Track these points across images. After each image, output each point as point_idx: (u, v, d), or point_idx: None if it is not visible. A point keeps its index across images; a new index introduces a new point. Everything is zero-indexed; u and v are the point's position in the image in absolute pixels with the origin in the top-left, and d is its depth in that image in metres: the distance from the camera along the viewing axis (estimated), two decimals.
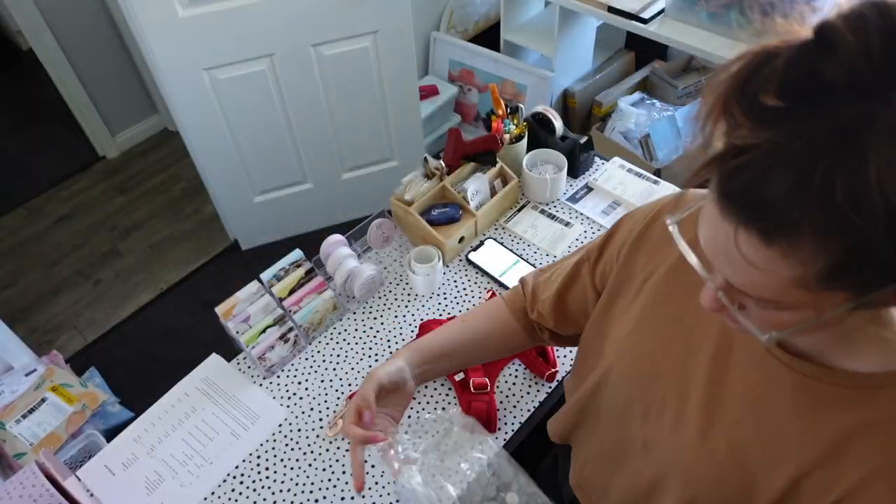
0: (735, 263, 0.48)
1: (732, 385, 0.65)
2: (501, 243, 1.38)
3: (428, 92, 2.60)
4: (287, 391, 1.20)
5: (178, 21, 1.80)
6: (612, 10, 2.13)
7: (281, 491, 1.07)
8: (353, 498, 1.06)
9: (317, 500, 1.06)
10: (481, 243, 1.38)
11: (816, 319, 0.49)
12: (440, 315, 1.28)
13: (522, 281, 0.95)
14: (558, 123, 1.47)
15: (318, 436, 1.14)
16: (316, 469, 1.09)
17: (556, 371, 1.17)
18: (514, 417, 1.13)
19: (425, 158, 1.39)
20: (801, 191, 0.42)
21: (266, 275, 1.30)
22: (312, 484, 1.08)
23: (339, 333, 1.28)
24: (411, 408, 1.14)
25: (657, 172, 2.31)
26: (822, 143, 0.41)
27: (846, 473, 0.56)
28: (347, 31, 1.99)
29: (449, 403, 1.16)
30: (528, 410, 1.14)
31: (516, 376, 1.18)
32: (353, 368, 1.22)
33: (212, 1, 1.80)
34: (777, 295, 0.48)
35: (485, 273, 1.33)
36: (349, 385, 1.19)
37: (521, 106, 1.46)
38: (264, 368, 1.21)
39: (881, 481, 0.54)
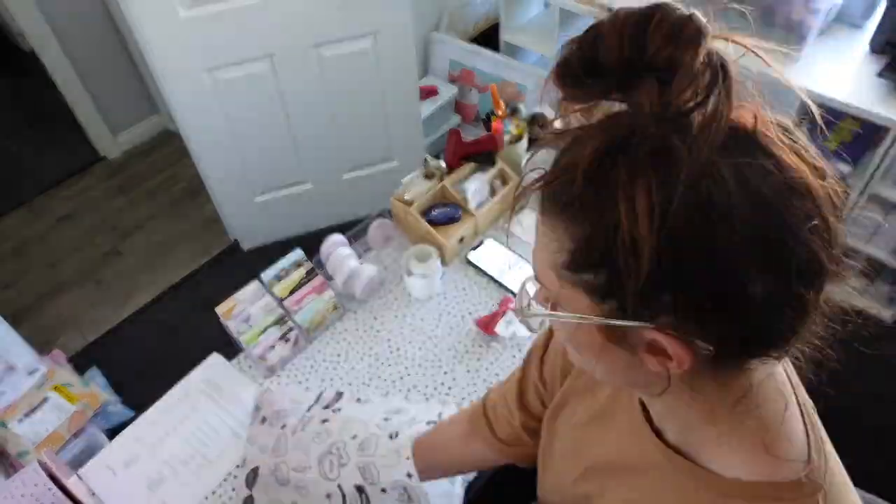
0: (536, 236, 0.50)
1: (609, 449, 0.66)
2: (501, 243, 1.39)
3: (428, 92, 2.61)
4: None
5: (179, 22, 1.80)
6: (611, 11, 2.13)
7: None
8: None
9: None
10: (481, 243, 1.39)
11: (567, 316, 0.49)
12: (439, 315, 1.29)
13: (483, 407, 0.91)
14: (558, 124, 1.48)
15: None
16: None
17: None
18: None
19: (425, 159, 1.40)
20: (563, 171, 0.44)
21: (266, 275, 1.31)
22: None
23: (340, 333, 1.28)
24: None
25: None
26: (590, 133, 0.43)
27: None
28: (347, 32, 2.00)
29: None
30: None
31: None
32: (353, 368, 1.22)
33: (213, 2, 1.81)
34: (540, 273, 0.50)
35: (484, 273, 1.34)
36: (349, 385, 1.20)
37: (521, 106, 1.46)
38: (265, 368, 1.22)
39: None
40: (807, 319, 0.45)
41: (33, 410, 1.71)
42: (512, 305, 1.22)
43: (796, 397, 0.55)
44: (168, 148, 3.04)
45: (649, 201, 0.39)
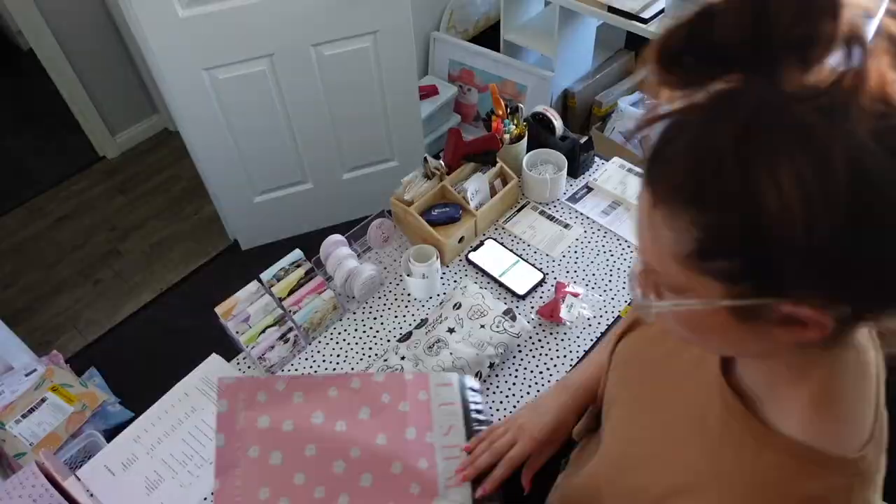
0: (641, 227, 0.48)
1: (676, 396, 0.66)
2: (501, 243, 1.38)
3: (428, 92, 2.60)
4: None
5: (178, 21, 1.80)
6: (612, 10, 2.13)
7: None
8: None
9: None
10: (481, 243, 1.38)
11: (694, 303, 0.47)
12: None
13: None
14: (558, 123, 1.47)
15: None
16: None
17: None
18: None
19: (425, 158, 1.39)
20: (686, 159, 0.42)
21: (266, 275, 1.30)
22: None
23: (339, 333, 1.28)
24: None
25: None
26: (714, 116, 0.41)
27: None
28: (347, 31, 1.99)
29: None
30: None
31: (515, 376, 1.18)
32: (353, 368, 1.22)
33: (212, 1, 1.80)
34: (659, 264, 0.48)
35: (485, 273, 1.33)
36: None
37: (521, 106, 1.46)
38: (264, 368, 1.21)
39: None
40: None
41: (31, 411, 1.70)
42: (568, 290, 1.24)
43: (877, 385, 0.55)
44: (168, 148, 3.03)
45: (799, 182, 0.37)
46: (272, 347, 1.21)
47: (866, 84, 0.38)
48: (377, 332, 1.27)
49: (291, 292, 1.28)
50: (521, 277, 1.31)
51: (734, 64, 0.40)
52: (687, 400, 0.64)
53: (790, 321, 0.44)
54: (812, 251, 0.39)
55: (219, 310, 1.26)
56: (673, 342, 0.70)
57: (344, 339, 1.26)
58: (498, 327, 1.18)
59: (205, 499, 1.07)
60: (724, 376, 0.59)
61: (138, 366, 2.17)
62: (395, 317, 1.29)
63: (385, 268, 1.38)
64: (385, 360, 1.17)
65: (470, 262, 1.36)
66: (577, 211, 1.44)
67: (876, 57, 0.39)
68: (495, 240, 1.39)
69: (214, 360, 1.26)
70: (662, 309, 0.51)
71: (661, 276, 0.49)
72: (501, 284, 1.31)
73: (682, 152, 0.42)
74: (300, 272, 1.30)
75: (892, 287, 0.41)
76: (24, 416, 1.69)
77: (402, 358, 1.15)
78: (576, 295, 1.25)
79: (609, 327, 1.24)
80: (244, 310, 1.25)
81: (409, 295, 1.32)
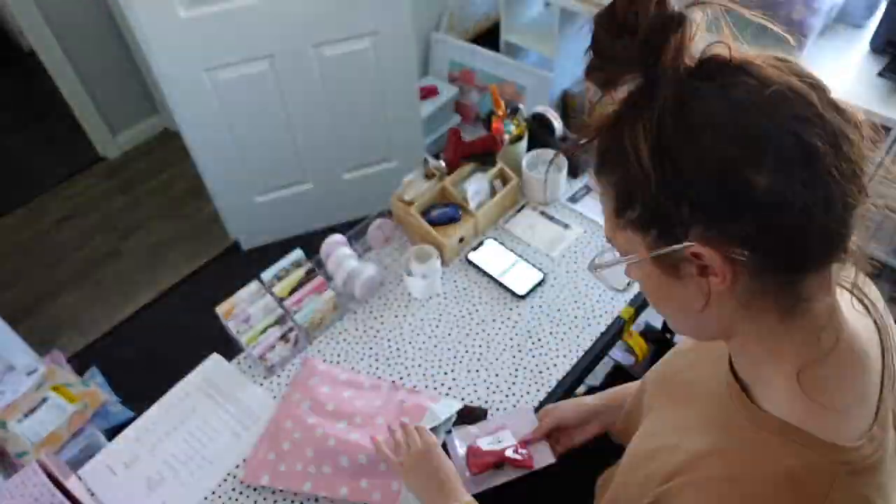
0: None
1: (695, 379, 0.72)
2: (501, 243, 1.38)
3: (428, 92, 2.61)
4: (287, 391, 1.20)
5: (179, 22, 1.80)
6: None
7: (282, 490, 1.07)
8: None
9: (317, 500, 1.06)
10: (481, 243, 1.39)
11: (630, 258, 0.56)
12: (440, 315, 1.28)
13: None
14: (558, 124, 1.48)
15: None
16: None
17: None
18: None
19: (425, 158, 1.39)
20: (607, 131, 0.51)
21: (266, 275, 1.31)
22: None
23: (340, 333, 1.28)
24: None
25: None
26: (626, 97, 0.50)
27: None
28: (347, 32, 2.00)
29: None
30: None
31: (516, 376, 1.18)
32: (353, 368, 1.22)
33: (212, 2, 1.81)
34: (609, 231, 0.57)
35: (485, 273, 1.34)
36: None
37: (521, 106, 1.46)
38: (265, 368, 1.22)
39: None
40: (841, 226, 0.48)
41: (33, 410, 1.71)
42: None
43: (882, 376, 0.57)
44: (168, 148, 3.04)
45: (644, 130, 0.47)
46: (273, 347, 1.21)
47: (684, 46, 0.48)
48: (377, 331, 1.27)
49: (292, 292, 1.29)
50: (521, 277, 1.32)
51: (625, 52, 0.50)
52: (705, 396, 0.67)
53: (703, 270, 0.51)
54: (666, 187, 0.47)
55: (219, 309, 1.26)
56: (696, 352, 0.75)
57: (344, 339, 1.27)
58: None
59: (206, 498, 1.08)
60: (731, 368, 0.62)
61: (139, 365, 2.17)
62: (396, 317, 1.29)
63: (385, 268, 1.38)
64: None
65: (470, 263, 1.36)
66: (576, 211, 1.44)
67: (696, 27, 0.49)
68: (495, 240, 1.40)
69: (215, 359, 1.26)
70: (606, 266, 0.59)
71: (614, 242, 0.58)
72: (501, 284, 1.31)
73: (584, 132, 0.54)
74: (301, 272, 1.31)
75: (764, 230, 0.47)
76: (25, 416, 1.69)
77: None
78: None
79: (609, 327, 1.24)
80: (245, 310, 1.25)
81: (409, 295, 1.32)
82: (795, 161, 0.45)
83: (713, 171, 0.46)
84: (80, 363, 2.11)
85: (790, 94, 0.46)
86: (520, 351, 1.21)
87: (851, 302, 0.57)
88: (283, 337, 1.22)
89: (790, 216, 0.46)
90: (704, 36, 0.50)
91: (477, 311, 1.29)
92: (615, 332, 1.24)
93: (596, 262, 0.60)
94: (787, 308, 0.52)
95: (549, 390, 1.16)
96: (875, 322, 0.60)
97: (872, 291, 0.64)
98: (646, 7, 0.47)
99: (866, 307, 0.59)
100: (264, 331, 1.23)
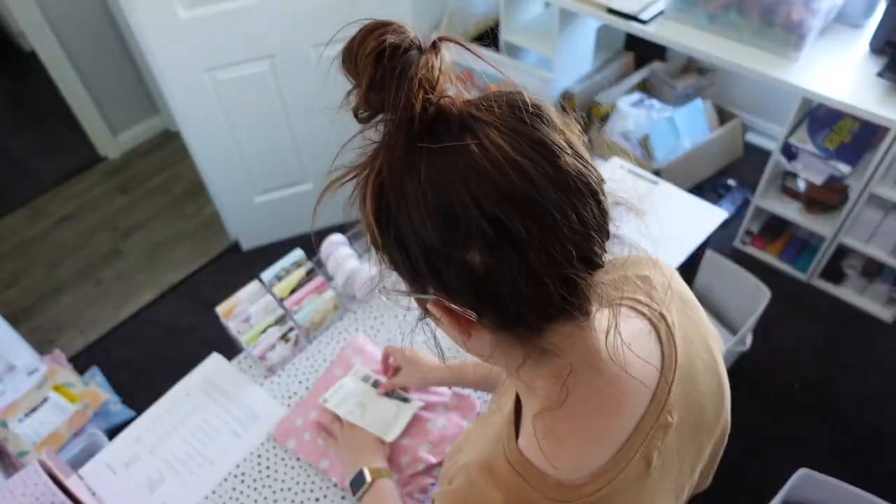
0: None
1: None
2: None
3: None
4: (288, 391, 1.21)
5: (180, 22, 1.81)
6: (611, 11, 2.13)
7: (282, 490, 1.08)
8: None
9: (317, 500, 1.06)
10: None
11: (397, 292, 0.54)
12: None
13: None
14: None
15: None
16: (317, 468, 1.10)
17: None
18: None
19: None
20: (358, 172, 0.53)
21: (267, 275, 1.31)
22: (313, 483, 1.08)
23: (340, 333, 1.28)
24: None
25: (657, 172, 2.32)
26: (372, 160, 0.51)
27: None
28: (347, 32, 2.00)
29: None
30: None
31: None
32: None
33: (213, 2, 1.81)
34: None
35: None
36: None
37: None
38: (265, 368, 1.22)
39: None
40: (565, 290, 0.46)
41: (33, 410, 1.71)
42: None
43: (648, 409, 0.56)
44: (168, 148, 3.04)
45: (372, 185, 0.49)
46: (273, 347, 1.22)
47: (399, 115, 0.48)
48: (378, 331, 1.28)
49: (292, 292, 1.29)
50: None
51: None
52: (507, 413, 0.67)
53: (448, 312, 0.50)
54: (397, 250, 0.48)
55: (220, 309, 1.27)
56: None
57: (345, 339, 1.27)
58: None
59: (206, 497, 1.08)
60: None
61: (140, 365, 2.18)
62: (396, 316, 1.30)
63: None
64: None
65: None
66: None
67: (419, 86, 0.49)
68: None
69: (215, 359, 1.26)
70: (390, 295, 0.58)
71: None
72: None
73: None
74: (301, 272, 1.31)
75: (482, 296, 0.47)
76: (26, 415, 1.70)
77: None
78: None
79: None
80: (245, 309, 1.26)
81: None
82: (497, 243, 0.44)
83: (422, 245, 0.46)
84: (80, 363, 2.12)
85: (507, 168, 0.44)
86: None
87: (649, 332, 0.59)
88: (284, 337, 1.23)
89: (500, 288, 0.46)
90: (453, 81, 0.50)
91: None
92: None
93: (386, 287, 0.59)
94: (534, 356, 0.52)
95: None
96: (663, 354, 0.59)
97: (691, 315, 0.64)
98: (366, 55, 0.47)
99: (660, 339, 0.59)
100: (264, 331, 1.23)
